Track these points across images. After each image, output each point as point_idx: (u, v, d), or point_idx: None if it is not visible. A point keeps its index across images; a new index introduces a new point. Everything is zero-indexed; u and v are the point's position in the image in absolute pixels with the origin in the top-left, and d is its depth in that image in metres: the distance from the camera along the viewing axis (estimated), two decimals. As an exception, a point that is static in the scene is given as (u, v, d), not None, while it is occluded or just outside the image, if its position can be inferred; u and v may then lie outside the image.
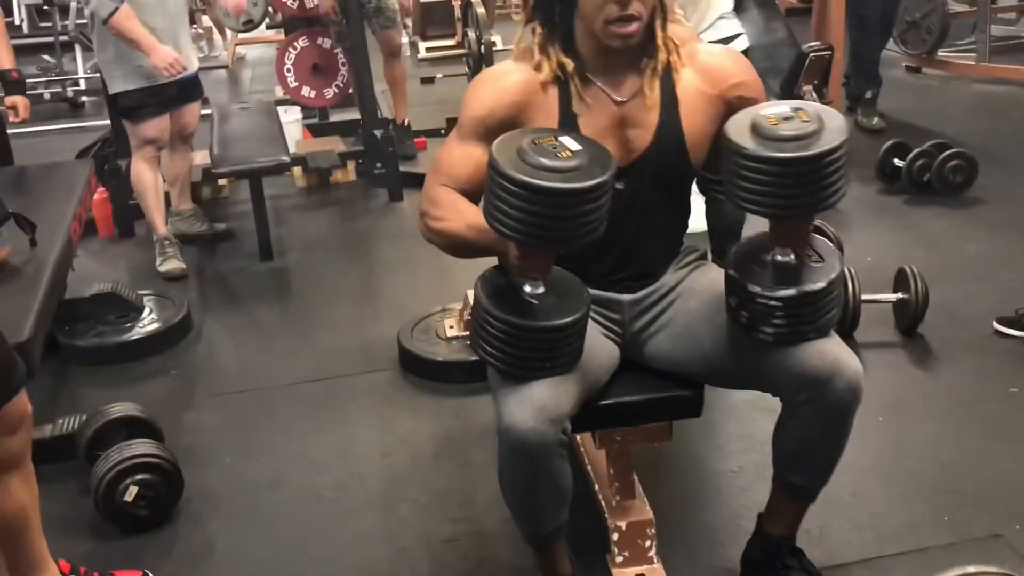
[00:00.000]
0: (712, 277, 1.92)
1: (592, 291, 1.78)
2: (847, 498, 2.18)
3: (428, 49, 7.83)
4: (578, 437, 2.23)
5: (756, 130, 1.62)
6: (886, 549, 2.05)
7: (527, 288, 1.67)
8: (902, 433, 2.49)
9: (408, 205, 4.46)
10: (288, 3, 5.12)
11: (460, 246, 1.79)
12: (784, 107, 1.67)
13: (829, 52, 4.24)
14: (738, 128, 1.64)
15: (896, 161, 4.25)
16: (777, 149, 1.59)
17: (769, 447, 1.86)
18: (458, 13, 7.98)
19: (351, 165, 4.84)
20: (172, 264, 3.73)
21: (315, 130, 5.34)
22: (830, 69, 4.34)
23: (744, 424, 2.50)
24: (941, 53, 6.14)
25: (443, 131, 5.46)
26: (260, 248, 3.88)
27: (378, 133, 4.53)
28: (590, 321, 1.74)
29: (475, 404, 2.70)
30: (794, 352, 1.70)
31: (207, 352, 3.22)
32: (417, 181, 4.59)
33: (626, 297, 1.92)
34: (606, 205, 1.58)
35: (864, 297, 2.94)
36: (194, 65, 3.82)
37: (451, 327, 3.02)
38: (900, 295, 3.00)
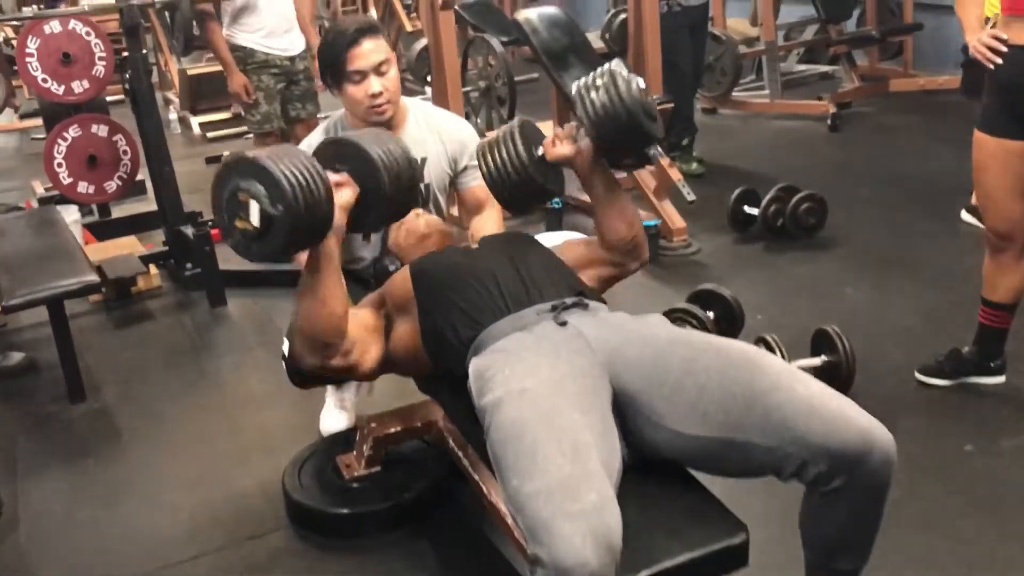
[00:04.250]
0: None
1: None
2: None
3: (202, 125, 7.15)
4: None
5: None
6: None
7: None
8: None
9: (235, 310, 3.87)
10: (52, 88, 4.37)
11: (304, 292, 1.83)
12: None
13: (671, 104, 4.11)
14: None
15: (747, 208, 4.17)
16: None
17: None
18: (231, 84, 7.39)
19: (152, 268, 4.17)
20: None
21: (98, 230, 4.61)
22: (670, 122, 4.22)
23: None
24: (734, 93, 6.28)
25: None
26: (69, 387, 3.17)
27: (189, 231, 3.91)
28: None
29: (403, 562, 2.23)
30: (817, 426, 1.51)
31: (28, 542, 2.50)
32: (239, 280, 4.01)
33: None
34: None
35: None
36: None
37: (348, 465, 2.51)
38: (825, 358, 2.82)
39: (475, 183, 2.49)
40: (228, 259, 4.05)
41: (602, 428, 1.59)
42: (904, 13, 6.40)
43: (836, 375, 2.77)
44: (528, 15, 4.47)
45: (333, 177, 1.81)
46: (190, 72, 7.01)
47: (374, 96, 2.31)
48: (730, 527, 1.60)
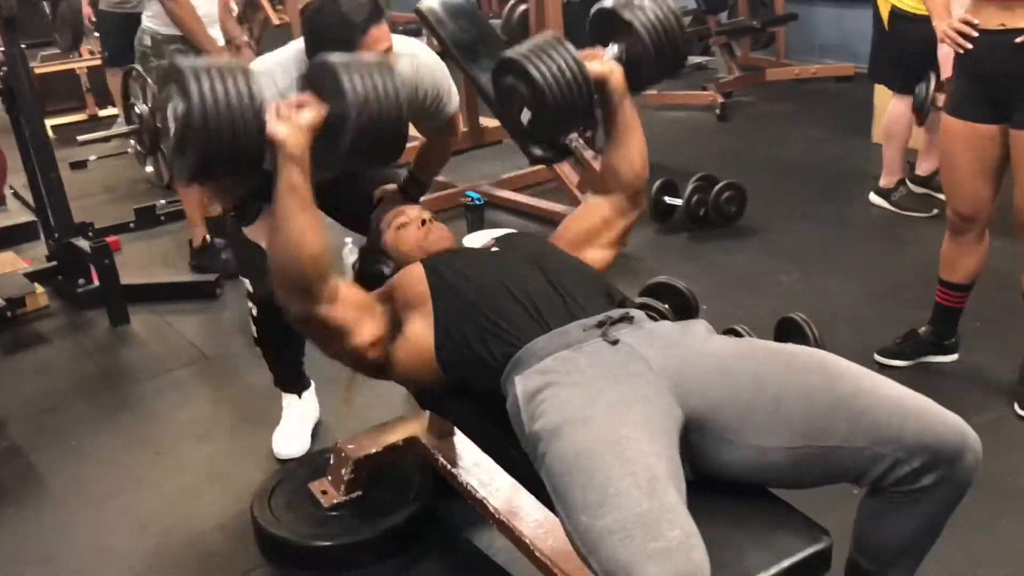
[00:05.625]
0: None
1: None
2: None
3: (54, 128, 6.57)
4: None
5: None
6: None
7: None
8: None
9: (140, 328, 3.53)
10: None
11: (274, 231, 1.72)
12: None
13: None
14: None
15: (667, 199, 4.15)
16: None
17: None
18: (86, 84, 6.85)
19: (39, 286, 3.75)
20: None
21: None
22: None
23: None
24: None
25: (132, 224, 4.52)
26: (-35, 429, 2.80)
27: (82, 243, 3.54)
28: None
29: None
30: (912, 424, 1.45)
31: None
32: (141, 294, 3.68)
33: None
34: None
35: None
36: None
37: (324, 492, 2.30)
38: (792, 346, 2.80)
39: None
40: (128, 272, 3.72)
41: (672, 457, 1.46)
42: (775, 4, 6.58)
43: (805, 363, 2.76)
44: (431, 4, 4.30)
45: (296, 96, 1.69)
46: (38, 71, 6.43)
47: None
48: (814, 532, 1.52)
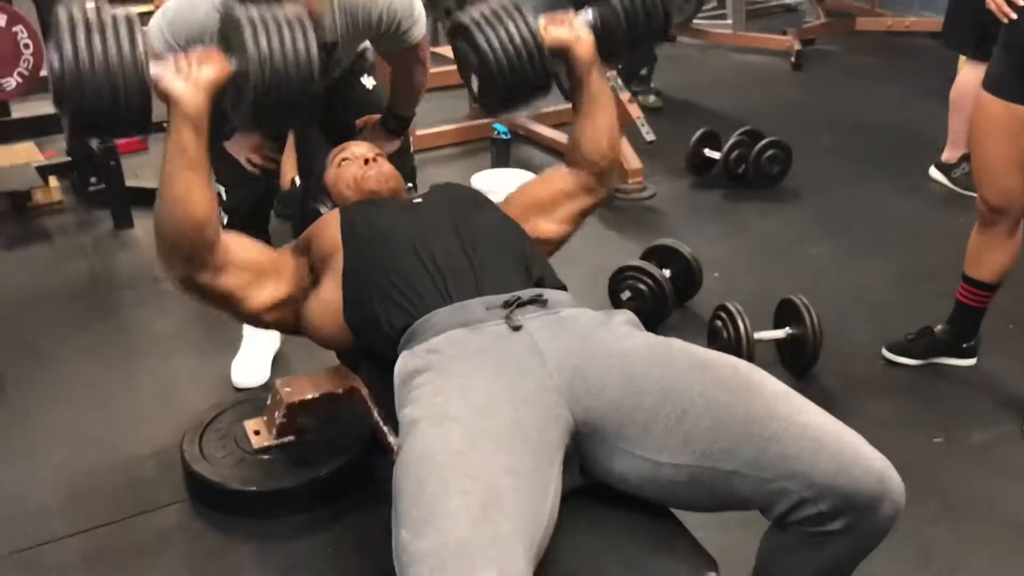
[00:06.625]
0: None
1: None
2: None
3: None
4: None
5: None
6: None
7: None
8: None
9: (143, 233, 3.48)
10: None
11: (161, 186, 1.59)
12: None
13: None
14: None
15: (707, 152, 3.89)
16: None
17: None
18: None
19: (53, 180, 3.74)
20: None
21: (-7, 133, 4.12)
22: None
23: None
24: (695, 21, 5.94)
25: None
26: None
27: (94, 143, 3.48)
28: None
29: (314, 547, 1.97)
30: (825, 462, 1.26)
31: None
32: (149, 197, 3.61)
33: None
34: None
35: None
36: None
37: (257, 432, 2.22)
38: (790, 331, 2.59)
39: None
40: (137, 174, 3.68)
41: (533, 473, 1.28)
42: (874, -54, 6.09)
43: (801, 350, 2.55)
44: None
45: (198, 50, 1.56)
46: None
47: None
48: (699, 562, 1.36)
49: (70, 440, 2.36)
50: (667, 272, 2.85)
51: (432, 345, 1.47)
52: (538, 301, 1.54)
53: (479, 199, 1.88)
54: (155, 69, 1.53)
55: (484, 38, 1.71)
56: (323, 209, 1.96)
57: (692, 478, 1.34)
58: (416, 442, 1.30)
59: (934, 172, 3.83)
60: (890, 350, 2.65)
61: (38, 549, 2.01)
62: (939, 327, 2.60)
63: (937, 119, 4.51)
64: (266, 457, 2.16)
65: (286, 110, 1.61)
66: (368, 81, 2.47)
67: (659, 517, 1.43)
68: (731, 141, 3.78)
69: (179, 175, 1.57)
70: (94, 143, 3.49)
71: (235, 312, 1.74)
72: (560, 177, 1.94)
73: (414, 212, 1.76)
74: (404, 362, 1.47)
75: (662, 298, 2.76)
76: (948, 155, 3.77)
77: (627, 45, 1.88)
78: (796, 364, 2.58)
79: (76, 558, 1.99)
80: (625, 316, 1.56)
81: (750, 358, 2.47)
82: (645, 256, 2.92)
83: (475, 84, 1.80)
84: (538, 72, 1.74)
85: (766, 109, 4.72)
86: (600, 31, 1.85)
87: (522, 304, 1.52)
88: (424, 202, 1.81)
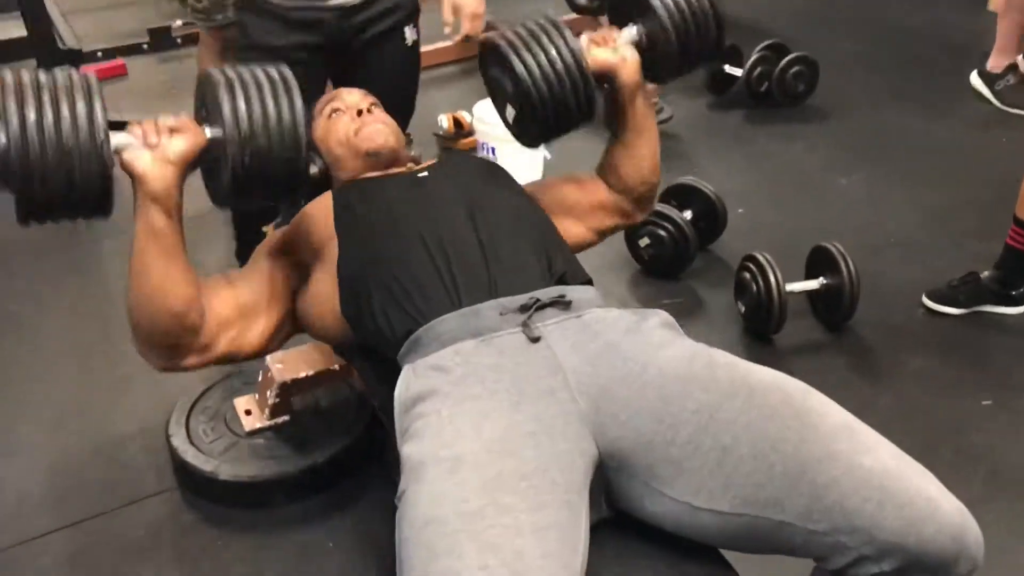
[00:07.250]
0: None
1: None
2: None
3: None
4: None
5: None
6: None
7: None
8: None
9: (120, 171, 3.24)
10: None
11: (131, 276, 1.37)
12: None
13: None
14: None
15: (727, 68, 3.61)
16: None
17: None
18: None
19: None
20: None
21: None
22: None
23: None
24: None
25: (146, 45, 4.18)
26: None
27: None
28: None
29: (315, 538, 1.82)
30: (891, 517, 1.07)
31: None
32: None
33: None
34: None
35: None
36: None
37: (248, 412, 2.05)
38: (824, 281, 2.38)
39: None
40: (130, 103, 3.42)
41: (563, 529, 1.10)
42: None
43: (837, 302, 2.35)
44: None
45: (167, 120, 1.31)
46: None
47: None
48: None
49: (47, 418, 2.19)
50: (688, 214, 2.63)
51: (438, 361, 1.28)
52: (560, 303, 1.33)
53: (498, 173, 1.65)
54: (117, 140, 1.29)
55: (522, 64, 1.48)
56: (312, 168, 1.73)
57: (735, 527, 1.16)
58: (423, 495, 1.11)
59: (975, 81, 3.54)
60: (931, 298, 2.45)
61: (8, 552, 1.85)
62: (985, 273, 2.40)
63: (980, 21, 4.16)
64: (259, 441, 2.00)
65: (266, 187, 1.38)
66: (410, 33, 2.15)
67: (695, 549, 1.27)
68: (754, 57, 3.51)
69: (153, 265, 1.35)
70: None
71: (237, 362, 1.57)
72: (602, 190, 1.75)
73: (421, 191, 1.53)
74: (406, 384, 1.28)
75: (684, 244, 2.54)
76: (993, 63, 3.48)
77: (675, 67, 1.63)
78: (830, 317, 2.38)
79: (60, 560, 1.84)
80: (659, 318, 1.36)
81: (782, 313, 2.29)
82: (664, 197, 2.69)
83: (510, 114, 1.57)
84: (582, 102, 1.52)
85: (789, 13, 4.41)
86: (646, 50, 1.60)
87: (541, 307, 1.32)
88: (432, 175, 1.58)
